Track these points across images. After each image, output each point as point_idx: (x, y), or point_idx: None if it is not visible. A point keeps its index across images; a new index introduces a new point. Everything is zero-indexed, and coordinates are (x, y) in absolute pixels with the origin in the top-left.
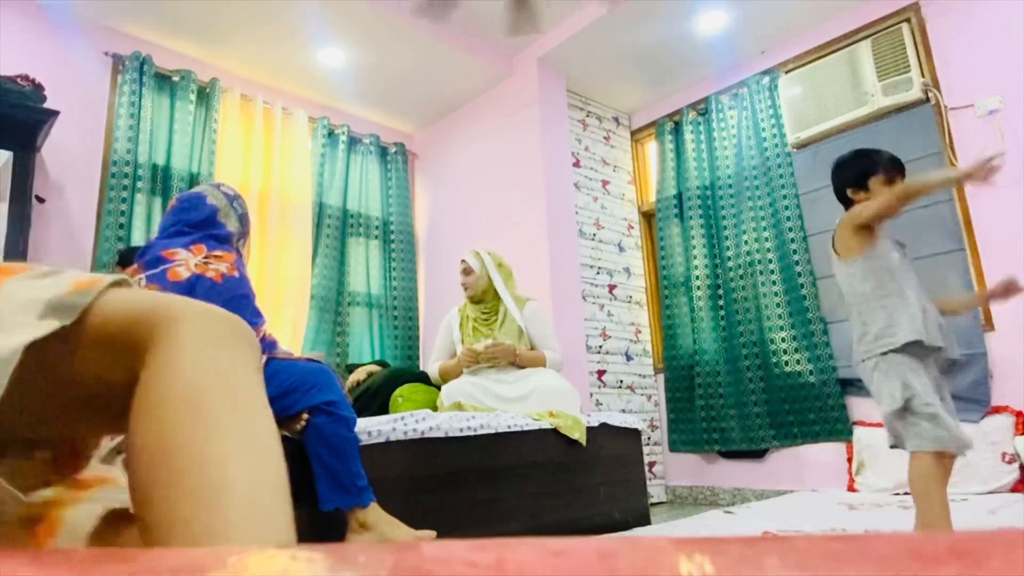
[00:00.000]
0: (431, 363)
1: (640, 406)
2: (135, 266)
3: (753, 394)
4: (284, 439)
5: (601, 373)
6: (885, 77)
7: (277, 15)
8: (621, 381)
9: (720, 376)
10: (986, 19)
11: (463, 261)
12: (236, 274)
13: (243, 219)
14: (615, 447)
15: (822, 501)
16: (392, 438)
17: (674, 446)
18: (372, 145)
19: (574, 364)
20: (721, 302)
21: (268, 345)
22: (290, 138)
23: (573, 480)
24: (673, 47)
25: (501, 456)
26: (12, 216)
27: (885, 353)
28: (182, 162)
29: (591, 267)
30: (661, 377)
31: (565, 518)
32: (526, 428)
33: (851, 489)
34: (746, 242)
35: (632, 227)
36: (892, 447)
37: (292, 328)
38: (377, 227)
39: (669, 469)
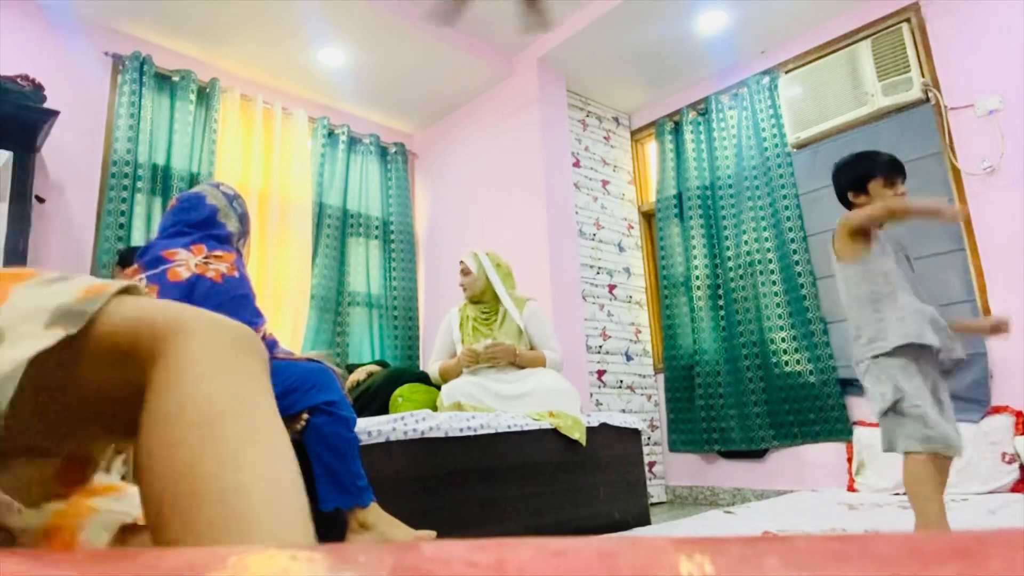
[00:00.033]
0: (431, 363)
1: (640, 406)
2: (135, 266)
3: (753, 394)
4: None
5: (601, 373)
6: (885, 77)
7: (277, 15)
8: (621, 381)
9: (720, 376)
10: (986, 19)
11: (461, 262)
12: (236, 274)
13: (243, 219)
14: (615, 447)
15: (822, 501)
16: (392, 438)
17: (674, 446)
18: (372, 145)
19: (574, 364)
20: (721, 302)
21: (269, 345)
22: (290, 138)
23: (573, 480)
24: (673, 47)
25: (501, 456)
26: (12, 216)
27: (877, 356)
28: (182, 162)
29: (591, 267)
30: (661, 377)
31: (565, 518)
32: (526, 428)
33: (851, 489)
34: (746, 242)
35: (632, 227)
36: (885, 451)
37: (292, 328)
38: (377, 227)
39: (669, 469)
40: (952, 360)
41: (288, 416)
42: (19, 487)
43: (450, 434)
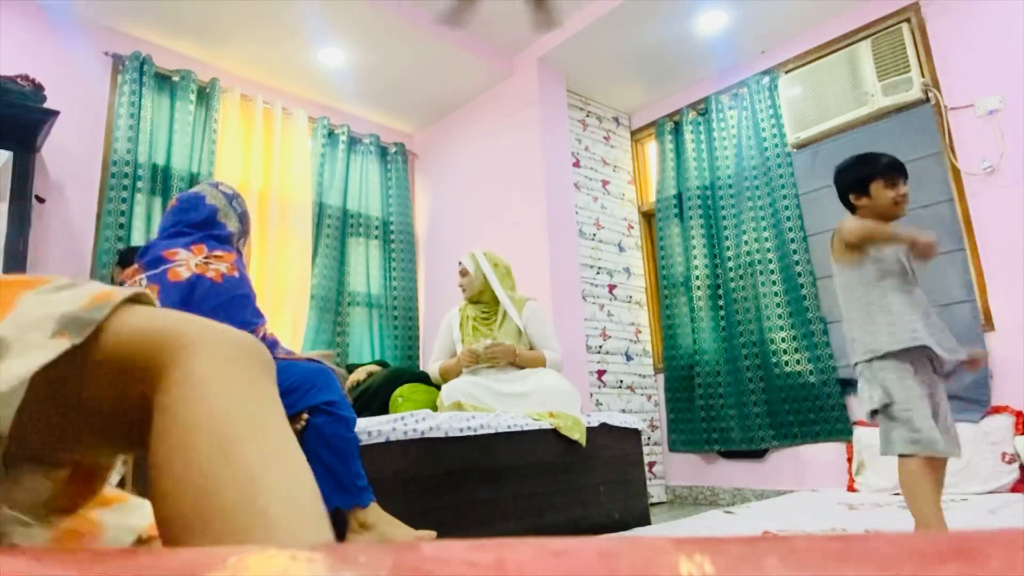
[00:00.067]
0: (431, 363)
1: (640, 406)
2: (135, 266)
3: (753, 394)
4: None
5: (601, 373)
6: (885, 77)
7: (277, 15)
8: (621, 381)
9: (720, 376)
10: (986, 19)
11: (459, 263)
12: (236, 274)
13: (243, 218)
14: (615, 447)
15: (822, 501)
16: (392, 438)
17: (674, 446)
18: (372, 145)
19: (574, 364)
20: (721, 302)
21: (269, 345)
22: (290, 138)
23: (573, 480)
24: (673, 47)
25: (501, 456)
26: (12, 216)
27: (870, 360)
28: (182, 162)
29: (591, 267)
30: (661, 377)
31: (565, 518)
32: (526, 428)
33: (851, 489)
34: (746, 242)
35: (632, 227)
36: (883, 454)
37: (292, 328)
38: (377, 227)
39: (669, 469)
40: (954, 362)
41: (288, 416)
42: (27, 499)
43: (450, 434)
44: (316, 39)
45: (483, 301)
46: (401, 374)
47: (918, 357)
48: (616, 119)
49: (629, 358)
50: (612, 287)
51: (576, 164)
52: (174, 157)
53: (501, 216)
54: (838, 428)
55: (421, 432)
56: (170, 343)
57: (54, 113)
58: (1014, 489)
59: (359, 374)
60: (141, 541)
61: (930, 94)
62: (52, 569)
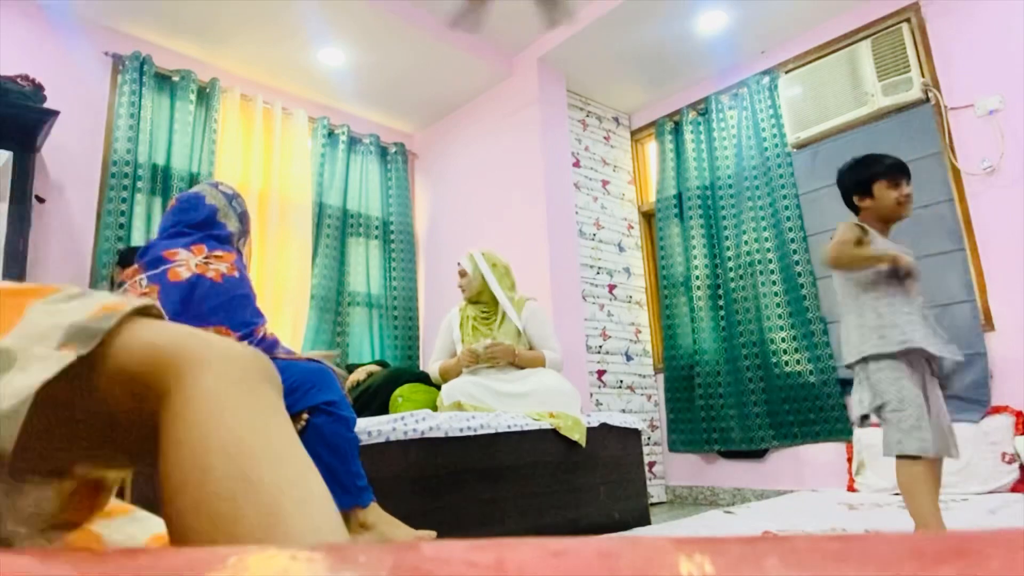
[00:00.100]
0: (432, 363)
1: (640, 406)
2: (135, 266)
3: (753, 394)
4: None
5: (601, 373)
6: (885, 77)
7: (277, 15)
8: (621, 381)
9: (720, 376)
10: (986, 19)
11: (458, 264)
12: (236, 274)
13: (243, 217)
14: (615, 447)
15: (822, 501)
16: (392, 438)
17: (674, 446)
18: (372, 145)
19: (574, 364)
20: (721, 302)
21: (269, 344)
22: (290, 138)
23: (573, 480)
24: (673, 47)
25: (501, 456)
26: (12, 216)
27: (866, 361)
28: (182, 162)
29: (591, 267)
30: (661, 377)
31: (565, 518)
32: (526, 428)
33: (851, 489)
34: (746, 242)
35: (632, 227)
36: (885, 455)
37: (292, 328)
38: (377, 227)
39: (669, 469)
40: (954, 364)
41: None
42: (31, 511)
43: (450, 434)
44: (316, 39)
45: (482, 301)
46: (401, 374)
47: (915, 359)
48: (616, 119)
49: (629, 358)
50: (612, 287)
51: (576, 164)
52: (174, 157)
53: (501, 216)
54: (838, 428)
55: (421, 432)
56: (178, 360)
57: (54, 113)
58: (1014, 489)
59: (359, 374)
60: None
61: (930, 94)
62: (52, 569)
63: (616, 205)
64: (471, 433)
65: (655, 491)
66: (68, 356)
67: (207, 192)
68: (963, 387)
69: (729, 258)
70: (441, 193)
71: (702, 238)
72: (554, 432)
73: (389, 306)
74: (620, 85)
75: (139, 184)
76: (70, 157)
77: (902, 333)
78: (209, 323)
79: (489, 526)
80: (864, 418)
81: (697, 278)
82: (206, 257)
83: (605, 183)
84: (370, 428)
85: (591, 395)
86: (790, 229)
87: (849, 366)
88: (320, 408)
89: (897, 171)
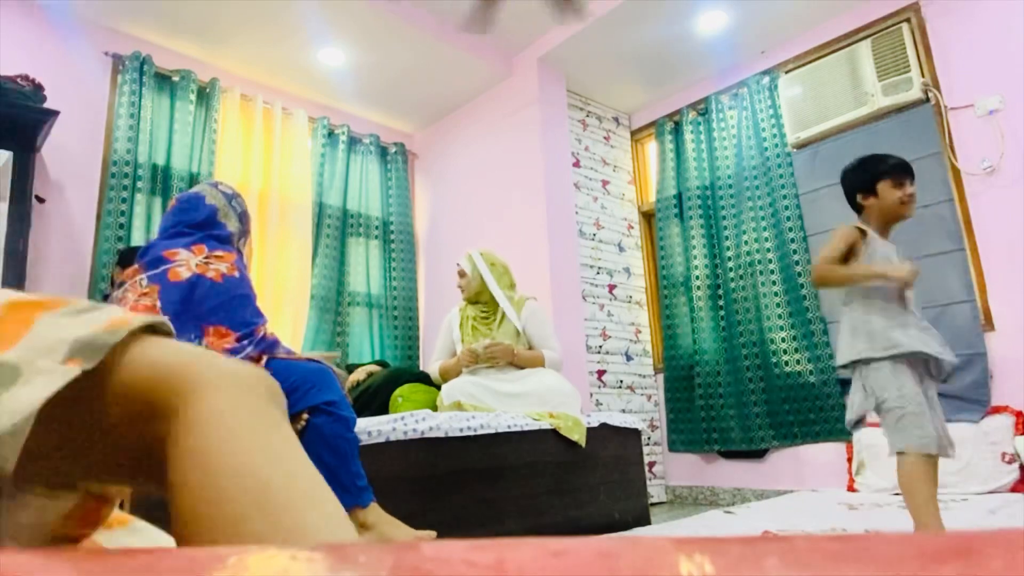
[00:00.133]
0: (432, 362)
1: (640, 406)
2: (136, 266)
3: (753, 394)
4: None
5: (601, 373)
6: (885, 77)
7: (277, 15)
8: (621, 381)
9: (720, 376)
10: (986, 19)
11: (458, 265)
12: (236, 274)
13: (243, 217)
14: (615, 447)
15: (822, 501)
16: (392, 438)
17: (674, 446)
18: (372, 145)
19: (574, 364)
20: (721, 302)
21: (270, 344)
22: (290, 138)
23: (573, 480)
24: (673, 47)
25: (501, 456)
26: (12, 216)
27: (868, 361)
28: (182, 162)
29: (591, 267)
30: (661, 377)
31: (565, 518)
32: (526, 428)
33: (851, 489)
34: (746, 242)
35: (632, 227)
36: (889, 455)
37: (292, 328)
38: (377, 227)
39: (669, 469)
40: (952, 365)
41: (288, 416)
42: (32, 526)
43: (450, 434)
44: (316, 39)
45: (482, 301)
46: (401, 374)
47: (914, 360)
48: (616, 119)
49: (629, 358)
50: (612, 287)
51: (576, 164)
52: (174, 157)
53: (501, 216)
54: (838, 428)
55: (421, 432)
56: (185, 380)
57: (54, 113)
58: (1014, 489)
59: (359, 374)
60: None
61: (930, 94)
62: (52, 569)
63: (616, 205)
64: (471, 433)
65: (655, 491)
66: (73, 370)
67: (207, 192)
68: (963, 387)
69: (729, 258)
70: (441, 193)
71: (702, 238)
72: (554, 432)
73: (389, 306)
74: (620, 85)
75: (139, 184)
76: (70, 157)
77: (895, 339)
78: (209, 323)
79: (489, 526)
80: (857, 423)
81: (697, 278)
82: (206, 257)
83: (605, 183)
84: (370, 428)
85: (591, 395)
86: (790, 229)
87: (844, 367)
88: (320, 408)
89: (901, 171)
